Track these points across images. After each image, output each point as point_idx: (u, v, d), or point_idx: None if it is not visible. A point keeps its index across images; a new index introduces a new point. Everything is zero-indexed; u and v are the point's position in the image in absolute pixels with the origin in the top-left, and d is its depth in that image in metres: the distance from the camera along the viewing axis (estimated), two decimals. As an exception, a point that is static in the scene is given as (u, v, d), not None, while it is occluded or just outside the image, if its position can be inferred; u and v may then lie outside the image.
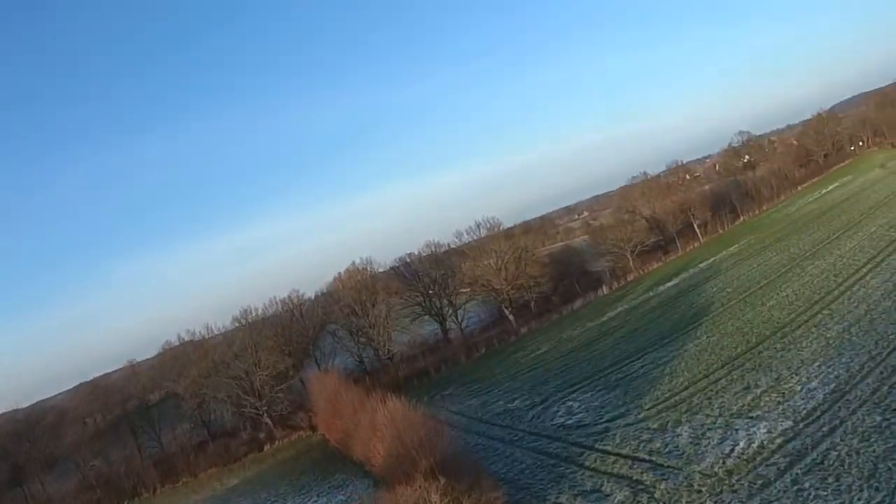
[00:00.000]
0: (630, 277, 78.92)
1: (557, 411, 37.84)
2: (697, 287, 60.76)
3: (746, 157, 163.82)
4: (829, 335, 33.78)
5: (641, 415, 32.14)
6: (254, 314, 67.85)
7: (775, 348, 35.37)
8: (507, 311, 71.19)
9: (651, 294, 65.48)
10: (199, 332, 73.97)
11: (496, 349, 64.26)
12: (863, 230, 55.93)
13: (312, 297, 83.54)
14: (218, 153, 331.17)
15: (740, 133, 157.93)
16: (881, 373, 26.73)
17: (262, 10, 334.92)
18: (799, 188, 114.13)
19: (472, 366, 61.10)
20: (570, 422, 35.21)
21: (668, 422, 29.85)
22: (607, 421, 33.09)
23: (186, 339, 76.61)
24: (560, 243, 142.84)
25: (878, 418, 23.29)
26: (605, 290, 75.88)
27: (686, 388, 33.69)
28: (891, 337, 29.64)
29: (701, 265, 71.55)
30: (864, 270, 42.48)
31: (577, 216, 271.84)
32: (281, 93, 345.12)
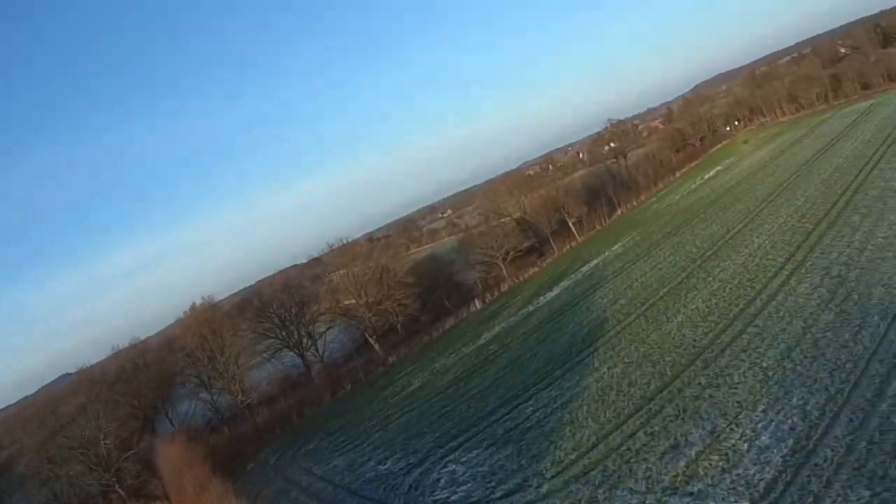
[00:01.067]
0: (504, 287, 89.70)
1: (438, 480, 37.79)
2: (584, 298, 64.67)
3: (611, 143, 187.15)
4: (764, 364, 33.71)
5: (544, 488, 31.03)
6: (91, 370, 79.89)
7: (699, 384, 34.72)
8: (371, 340, 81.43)
9: (531, 308, 71.57)
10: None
11: (363, 384, 71.97)
12: (769, 222, 62.22)
13: (157, 344, 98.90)
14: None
15: (608, 121, 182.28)
16: (850, 420, 26.07)
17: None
18: (678, 174, 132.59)
19: (338, 407, 67.00)
20: (454, 497, 34.49)
21: (580, 501, 28.48)
22: (501, 497, 32.14)
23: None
24: (427, 246, 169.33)
25: (866, 493, 21.76)
26: (477, 304, 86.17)
27: (595, 444, 33.21)
28: (846, 365, 29.86)
29: (583, 270, 79.14)
30: (786, 273, 45.31)
31: (440, 215, 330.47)
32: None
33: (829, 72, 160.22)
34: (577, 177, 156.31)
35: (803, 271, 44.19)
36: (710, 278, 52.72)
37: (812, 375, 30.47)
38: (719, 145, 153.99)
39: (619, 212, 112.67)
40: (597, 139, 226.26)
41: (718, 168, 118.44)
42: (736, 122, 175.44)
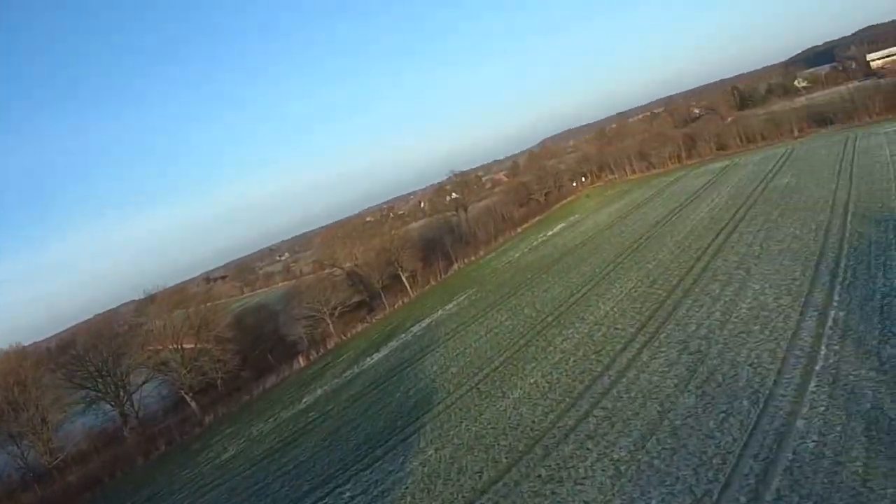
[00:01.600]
0: (331, 345, 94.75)
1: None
2: (412, 363, 65.90)
3: (453, 193, 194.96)
4: (615, 455, 32.20)
5: None
6: None
7: (538, 477, 32.87)
8: (187, 398, 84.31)
9: (356, 370, 73.94)
10: None
11: (178, 444, 73.76)
12: (616, 286, 63.85)
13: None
14: None
15: (451, 171, 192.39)
16: (721, 533, 24.47)
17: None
18: (519, 229, 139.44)
19: (151, 470, 67.46)
20: None
21: None
22: None
23: None
24: (261, 291, 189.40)
25: None
26: (301, 361, 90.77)
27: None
28: (713, 460, 28.81)
29: (413, 329, 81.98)
30: (637, 346, 45.41)
31: (278, 258, 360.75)
32: None
33: (683, 131, 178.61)
34: (415, 227, 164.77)
35: (657, 344, 44.38)
36: (552, 348, 52.22)
37: (673, 472, 29.05)
38: (564, 201, 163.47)
39: (455, 267, 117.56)
40: (439, 189, 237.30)
41: (563, 225, 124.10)
42: (583, 178, 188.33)
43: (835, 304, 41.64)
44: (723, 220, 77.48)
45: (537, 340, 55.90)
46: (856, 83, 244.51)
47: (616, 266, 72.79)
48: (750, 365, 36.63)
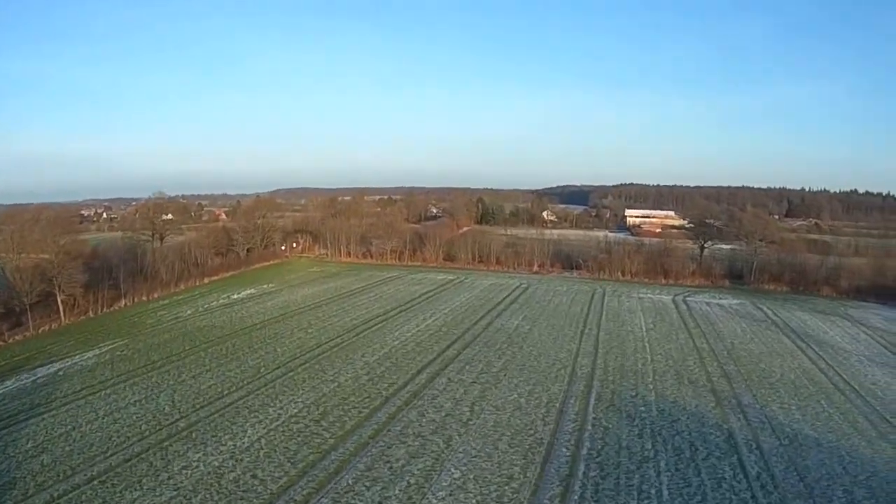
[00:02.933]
0: None
1: None
2: (8, 426, 52.18)
3: (169, 214, 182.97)
4: None
5: None
6: None
7: None
8: None
9: None
10: None
11: None
12: (277, 402, 55.55)
13: None
14: None
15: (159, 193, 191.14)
16: None
17: None
18: (207, 280, 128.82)
19: None
20: None
21: None
22: None
23: None
24: None
25: None
26: None
27: None
28: None
29: (39, 372, 68.78)
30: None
31: None
32: None
33: (413, 226, 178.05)
34: (102, 237, 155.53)
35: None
36: (171, 471, 42.01)
37: None
38: (266, 263, 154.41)
39: (122, 303, 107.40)
40: (141, 207, 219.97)
41: (252, 291, 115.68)
42: (294, 245, 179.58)
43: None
44: (430, 353, 72.53)
45: (151, 456, 44.61)
46: (607, 233, 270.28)
47: (286, 374, 64.49)
48: None
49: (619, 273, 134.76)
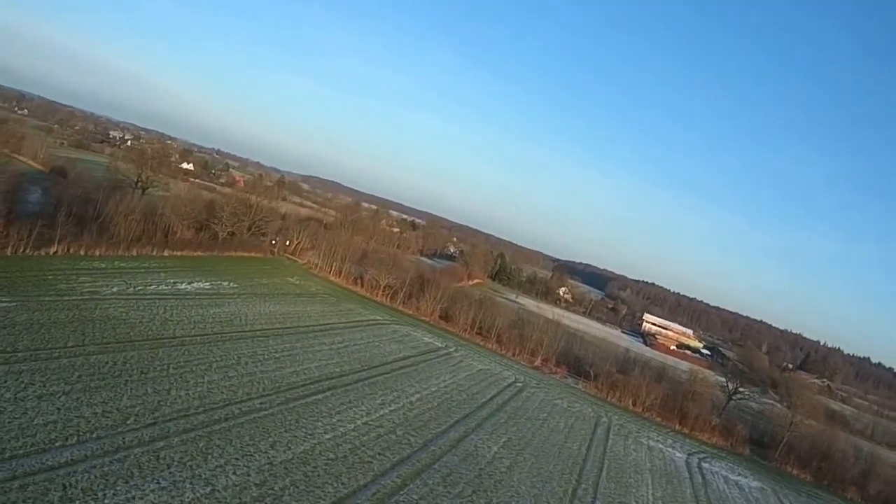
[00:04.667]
0: None
1: None
2: None
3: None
4: None
5: None
6: None
7: None
8: None
9: None
10: None
11: None
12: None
13: None
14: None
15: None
16: None
17: None
18: (166, 253, 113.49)
19: None
20: None
21: None
22: None
23: None
24: None
25: None
26: None
27: None
28: None
29: None
30: None
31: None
32: None
33: (423, 262, 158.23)
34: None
35: None
36: None
37: None
38: (245, 254, 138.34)
39: (53, 249, 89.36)
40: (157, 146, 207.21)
41: (205, 284, 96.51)
42: (288, 242, 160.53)
43: None
44: (360, 475, 49.88)
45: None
46: (621, 332, 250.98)
47: (151, 443, 44.16)
48: None
49: (631, 402, 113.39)
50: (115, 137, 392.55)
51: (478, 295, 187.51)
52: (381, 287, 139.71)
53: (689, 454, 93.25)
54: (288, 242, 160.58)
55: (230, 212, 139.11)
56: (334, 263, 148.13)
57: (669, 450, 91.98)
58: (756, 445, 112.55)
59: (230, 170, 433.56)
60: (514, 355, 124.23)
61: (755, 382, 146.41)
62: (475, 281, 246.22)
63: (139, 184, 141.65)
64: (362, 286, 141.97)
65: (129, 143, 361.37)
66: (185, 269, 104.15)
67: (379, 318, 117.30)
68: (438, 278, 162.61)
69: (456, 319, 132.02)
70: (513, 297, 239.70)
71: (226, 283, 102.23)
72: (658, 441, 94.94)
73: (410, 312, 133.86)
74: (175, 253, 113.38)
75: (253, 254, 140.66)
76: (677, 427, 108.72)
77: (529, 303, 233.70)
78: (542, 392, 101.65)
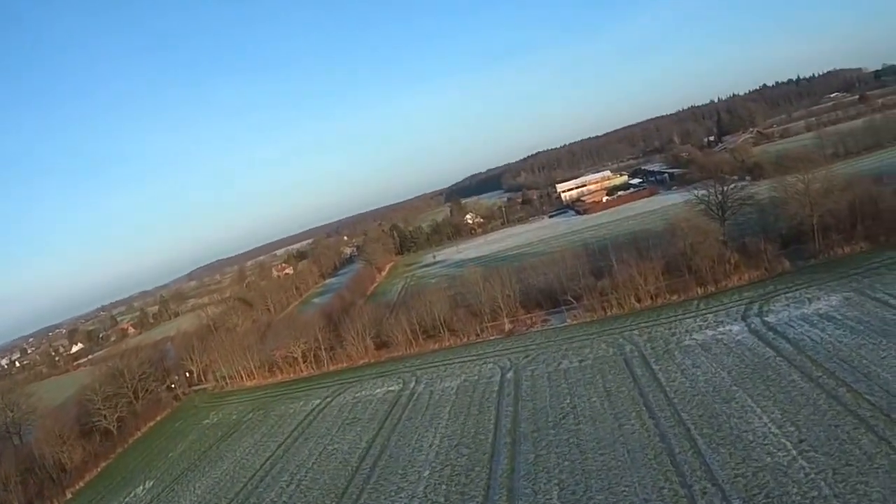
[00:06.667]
0: None
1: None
2: None
3: None
4: None
5: None
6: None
7: None
8: None
9: None
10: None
11: None
12: None
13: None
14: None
15: None
16: None
17: None
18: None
19: None
20: None
21: None
22: None
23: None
24: None
25: None
26: None
27: None
28: None
29: None
30: None
31: None
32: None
33: (325, 311, 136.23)
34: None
35: None
36: None
37: None
38: (151, 424, 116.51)
39: None
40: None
41: None
42: (188, 374, 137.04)
43: None
44: None
45: None
46: (551, 219, 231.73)
47: None
48: None
49: (634, 299, 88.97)
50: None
51: (399, 288, 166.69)
52: (300, 357, 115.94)
53: (741, 318, 72.34)
54: (188, 374, 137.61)
55: (103, 397, 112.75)
56: (243, 363, 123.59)
57: (718, 330, 70.59)
58: (788, 251, 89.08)
59: (118, 322, 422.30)
60: (477, 336, 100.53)
61: (715, 176, 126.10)
62: (386, 269, 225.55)
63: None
64: (281, 371, 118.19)
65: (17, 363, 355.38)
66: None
67: (316, 401, 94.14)
68: (349, 297, 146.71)
69: (395, 339, 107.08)
70: (430, 258, 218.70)
71: (139, 491, 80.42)
72: (698, 328, 73.78)
73: (343, 366, 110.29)
74: (72, 490, 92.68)
75: (158, 418, 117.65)
76: (701, 293, 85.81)
77: (449, 253, 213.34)
78: (539, 363, 78.86)
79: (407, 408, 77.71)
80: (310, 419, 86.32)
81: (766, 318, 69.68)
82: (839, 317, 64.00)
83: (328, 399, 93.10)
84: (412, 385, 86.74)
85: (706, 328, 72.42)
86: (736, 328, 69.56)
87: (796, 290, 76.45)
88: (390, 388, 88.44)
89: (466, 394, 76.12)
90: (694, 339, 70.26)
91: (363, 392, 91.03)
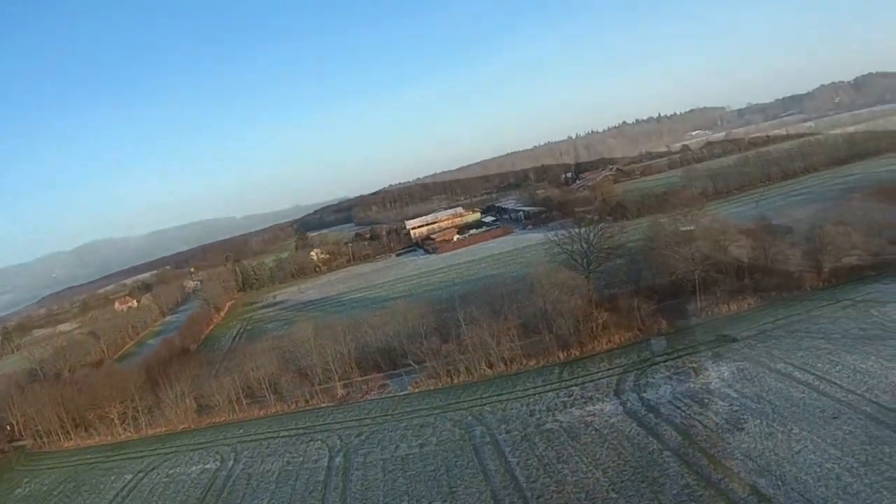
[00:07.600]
0: None
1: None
2: None
3: None
4: None
5: None
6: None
7: None
8: None
9: None
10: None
11: None
12: None
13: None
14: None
15: None
16: None
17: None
18: None
19: None
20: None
21: None
22: None
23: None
24: None
25: None
26: None
27: None
28: None
29: None
30: None
31: None
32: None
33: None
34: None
35: None
36: None
37: None
38: None
39: None
40: None
41: None
42: (9, 427, 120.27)
43: None
44: None
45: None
46: (395, 256, 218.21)
47: None
48: None
49: (485, 364, 77.88)
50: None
51: (235, 332, 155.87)
52: (117, 419, 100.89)
53: (615, 392, 61.55)
54: (10, 427, 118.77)
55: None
56: (60, 420, 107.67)
57: (588, 409, 60.09)
58: (664, 306, 79.24)
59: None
60: (307, 404, 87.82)
61: (575, 216, 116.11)
62: (227, 306, 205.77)
63: None
64: (98, 433, 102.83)
65: None
66: None
67: (129, 476, 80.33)
68: (179, 343, 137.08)
69: (217, 402, 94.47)
70: (271, 297, 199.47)
71: None
72: (563, 403, 63.06)
73: (163, 430, 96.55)
74: None
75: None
76: (563, 357, 75.71)
77: (291, 293, 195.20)
78: (373, 445, 67.40)
79: (221, 497, 66.12)
80: (118, 500, 73.98)
81: (644, 395, 59.69)
82: (734, 394, 54.74)
83: (140, 475, 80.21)
84: (230, 464, 75.14)
85: (572, 406, 61.76)
86: (609, 407, 59.14)
87: (677, 357, 67.38)
88: (206, 466, 76.73)
89: (288, 482, 65.42)
90: (557, 420, 59.60)
91: (177, 469, 79.00)
